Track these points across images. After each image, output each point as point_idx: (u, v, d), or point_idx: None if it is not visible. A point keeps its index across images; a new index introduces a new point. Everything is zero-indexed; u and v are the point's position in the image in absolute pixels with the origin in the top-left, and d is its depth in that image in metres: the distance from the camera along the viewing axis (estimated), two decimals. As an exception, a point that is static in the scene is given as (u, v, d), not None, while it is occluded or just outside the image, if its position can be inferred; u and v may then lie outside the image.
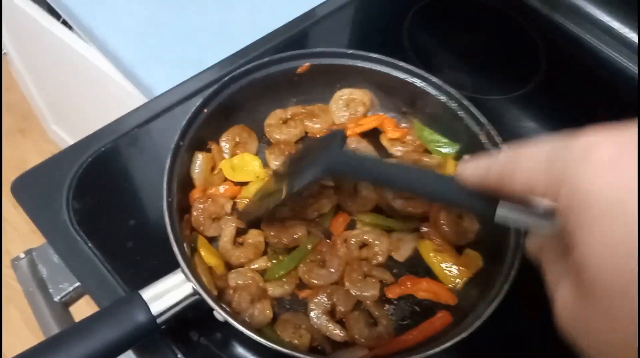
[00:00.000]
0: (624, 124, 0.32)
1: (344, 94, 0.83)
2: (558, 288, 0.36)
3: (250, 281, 0.67)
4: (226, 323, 0.58)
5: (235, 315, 0.63)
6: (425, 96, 0.79)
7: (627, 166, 0.29)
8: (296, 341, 0.64)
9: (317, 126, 0.81)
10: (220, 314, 0.58)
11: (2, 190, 2.11)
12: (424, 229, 0.74)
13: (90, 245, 0.70)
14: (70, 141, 1.85)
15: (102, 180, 0.76)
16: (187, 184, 0.72)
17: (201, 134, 0.74)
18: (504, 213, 0.44)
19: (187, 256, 0.62)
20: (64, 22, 1.17)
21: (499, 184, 0.39)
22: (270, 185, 0.72)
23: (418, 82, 0.79)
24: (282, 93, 0.82)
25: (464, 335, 0.58)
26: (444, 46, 1.05)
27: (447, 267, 0.71)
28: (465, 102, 0.76)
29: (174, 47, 1.01)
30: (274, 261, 0.70)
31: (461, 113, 0.77)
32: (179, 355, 0.64)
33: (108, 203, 0.75)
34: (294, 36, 0.97)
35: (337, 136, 0.65)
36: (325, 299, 0.67)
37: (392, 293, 0.70)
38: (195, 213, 0.70)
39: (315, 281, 0.69)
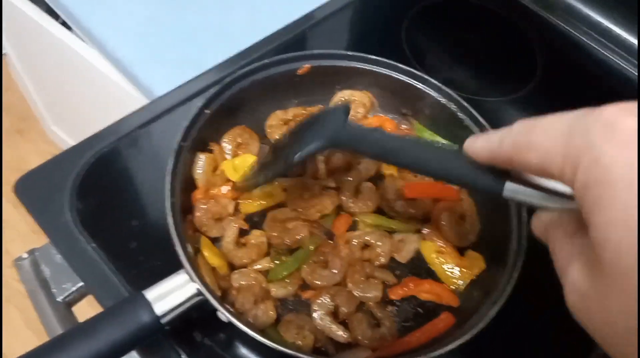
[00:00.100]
0: None
1: (344, 96, 0.83)
2: (569, 269, 0.34)
3: (253, 282, 0.68)
4: (230, 323, 0.58)
5: (238, 315, 0.63)
6: (425, 98, 0.80)
7: None
8: (299, 342, 0.64)
9: (318, 127, 0.81)
10: (224, 315, 0.58)
11: (3, 191, 2.11)
12: (426, 230, 0.74)
13: (93, 245, 0.70)
14: (70, 142, 1.85)
15: (104, 180, 0.76)
16: (189, 184, 0.72)
17: (203, 134, 0.74)
18: (513, 187, 0.43)
19: (191, 256, 0.62)
20: (63, 23, 1.17)
21: (513, 157, 0.38)
22: (269, 156, 0.72)
23: (418, 84, 0.80)
24: (283, 94, 0.82)
25: (467, 337, 0.59)
26: (443, 48, 1.06)
27: (449, 268, 0.71)
28: (465, 104, 0.76)
29: (173, 48, 1.01)
30: (277, 262, 0.70)
31: (461, 115, 0.77)
32: (182, 356, 0.64)
33: (111, 203, 0.75)
34: (294, 38, 0.97)
35: (341, 108, 0.63)
36: (328, 300, 0.67)
37: (395, 294, 0.70)
38: (198, 214, 0.71)
39: (318, 282, 0.69)
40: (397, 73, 0.80)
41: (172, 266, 0.61)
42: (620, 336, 0.30)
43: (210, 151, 0.76)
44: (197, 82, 0.87)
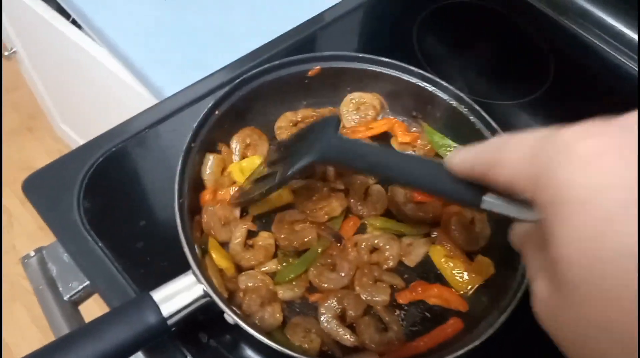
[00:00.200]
0: (609, 120, 0.32)
1: (354, 98, 0.83)
2: (536, 280, 0.36)
3: (260, 284, 0.67)
4: (236, 325, 0.58)
5: (245, 317, 0.62)
6: (436, 101, 0.79)
7: (606, 163, 0.30)
8: (306, 345, 0.64)
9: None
10: (230, 317, 0.58)
11: (10, 188, 2.12)
12: (435, 234, 0.74)
13: (100, 244, 0.70)
14: (78, 140, 1.86)
15: (113, 180, 0.76)
16: (197, 185, 0.72)
17: (212, 135, 0.74)
18: (490, 200, 0.45)
19: (198, 258, 0.62)
20: (74, 22, 1.17)
21: (484, 174, 0.40)
22: (264, 170, 0.72)
23: (429, 87, 0.79)
24: (293, 96, 0.82)
25: (476, 342, 0.58)
26: (455, 51, 1.05)
27: (458, 273, 0.70)
28: (476, 107, 0.76)
29: (183, 50, 1.02)
30: (284, 264, 0.70)
31: (472, 118, 0.76)
32: (188, 357, 0.64)
33: (119, 203, 0.75)
34: (303, 40, 0.97)
35: (332, 121, 0.64)
36: (336, 303, 0.67)
37: (403, 298, 0.69)
38: (206, 218, 0.70)
39: (325, 285, 0.68)
40: (407, 75, 0.80)
41: (179, 267, 0.61)
42: (576, 343, 0.32)
43: (219, 152, 0.75)
44: (207, 82, 0.87)
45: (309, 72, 0.80)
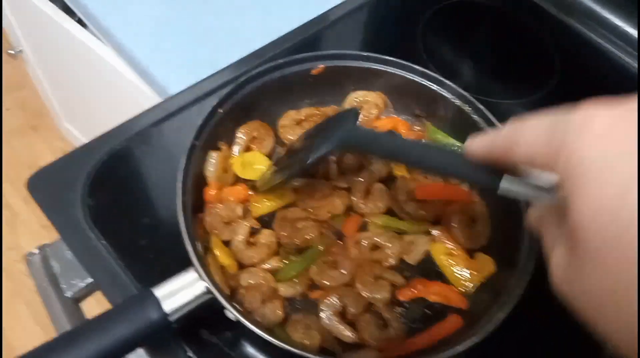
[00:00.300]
0: (619, 99, 0.34)
1: (357, 96, 0.83)
2: (553, 252, 0.38)
3: (261, 281, 0.67)
4: (237, 322, 0.58)
5: (246, 314, 0.63)
6: (439, 99, 0.79)
7: (618, 135, 0.32)
8: (307, 342, 0.64)
9: (331, 127, 0.81)
10: (232, 313, 0.58)
11: (14, 186, 2.13)
12: (436, 232, 0.74)
13: (103, 242, 0.70)
14: (83, 139, 1.87)
15: (116, 178, 0.77)
16: (200, 183, 0.72)
17: (216, 133, 0.74)
18: (507, 184, 0.47)
19: (200, 255, 0.62)
20: (79, 20, 1.17)
21: (503, 155, 0.42)
22: (285, 159, 0.74)
23: (432, 86, 0.79)
24: (296, 94, 0.82)
25: (475, 339, 0.58)
26: (459, 50, 1.05)
27: (458, 271, 0.71)
28: (480, 106, 0.76)
29: (188, 48, 1.02)
30: (286, 261, 0.70)
31: (476, 117, 0.76)
32: (189, 353, 0.64)
33: (122, 200, 0.76)
34: (308, 39, 0.97)
35: (351, 113, 0.67)
36: (337, 300, 0.67)
37: (404, 295, 0.69)
38: (208, 218, 0.71)
39: (326, 282, 0.69)
40: (411, 74, 0.80)
41: (181, 264, 0.61)
42: (594, 309, 0.33)
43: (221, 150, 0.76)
44: (211, 81, 0.87)
45: (313, 71, 0.80)
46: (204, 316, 0.64)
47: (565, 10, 1.09)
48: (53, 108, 1.92)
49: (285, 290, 0.68)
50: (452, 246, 0.73)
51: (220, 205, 0.72)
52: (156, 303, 0.58)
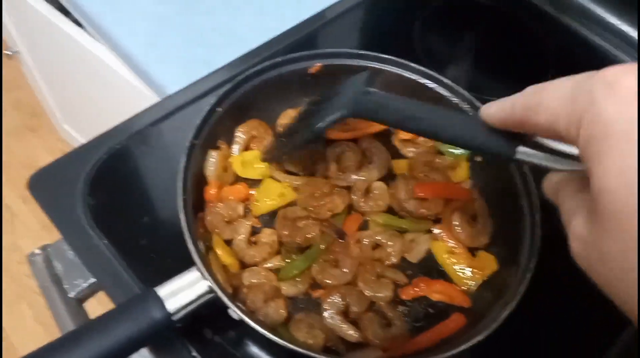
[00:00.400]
0: None
1: (356, 95, 0.83)
2: (572, 221, 0.37)
3: (264, 280, 0.68)
4: (240, 321, 0.58)
5: (249, 313, 0.63)
6: (437, 97, 0.79)
7: None
8: (310, 341, 0.64)
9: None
10: (235, 312, 0.58)
11: (12, 187, 2.12)
12: (437, 230, 0.74)
13: (105, 241, 0.70)
14: (81, 139, 1.86)
15: (116, 177, 0.77)
16: (200, 182, 0.72)
17: (214, 132, 0.74)
18: (524, 150, 0.45)
19: (202, 254, 0.62)
20: (75, 20, 1.17)
21: (524, 119, 0.40)
22: (295, 126, 0.73)
23: (430, 84, 0.79)
24: (294, 93, 0.82)
25: (479, 338, 0.58)
26: (455, 48, 1.05)
27: (460, 269, 0.71)
28: (478, 104, 0.76)
29: (185, 47, 1.02)
30: (288, 260, 0.70)
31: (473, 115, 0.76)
32: (193, 353, 0.64)
33: (123, 200, 0.76)
34: (305, 37, 0.97)
35: (362, 77, 0.64)
36: (339, 299, 0.67)
37: (406, 294, 0.70)
38: (209, 218, 0.71)
39: (328, 281, 0.69)
40: (408, 72, 0.80)
41: (183, 263, 0.61)
42: (618, 276, 0.32)
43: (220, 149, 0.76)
44: (209, 80, 0.87)
45: (311, 70, 0.80)
46: (207, 315, 0.64)
47: (561, 8, 1.10)
48: (50, 109, 1.92)
49: (287, 289, 0.68)
50: (453, 245, 0.73)
51: (221, 204, 0.72)
52: (159, 302, 0.58)
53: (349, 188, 0.76)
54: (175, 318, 0.58)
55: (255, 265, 0.70)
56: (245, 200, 0.75)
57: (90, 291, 0.73)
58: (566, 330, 0.70)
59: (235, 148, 0.78)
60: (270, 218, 0.74)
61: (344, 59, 0.81)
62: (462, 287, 0.70)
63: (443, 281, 0.71)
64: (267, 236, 0.71)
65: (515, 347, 0.68)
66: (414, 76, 0.80)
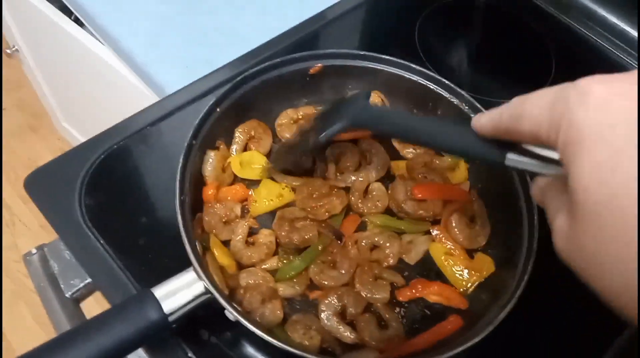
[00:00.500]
0: (616, 74, 0.37)
1: (355, 95, 0.83)
2: (556, 218, 0.40)
3: (261, 281, 0.67)
4: (236, 322, 0.58)
5: (246, 314, 0.63)
6: (437, 98, 0.79)
7: (617, 103, 0.34)
8: (306, 342, 0.64)
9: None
10: (232, 313, 0.58)
11: (12, 187, 2.13)
12: (435, 232, 0.74)
13: (102, 241, 0.70)
14: (81, 139, 1.86)
15: (114, 177, 0.77)
16: (198, 182, 0.72)
17: (213, 133, 0.74)
18: (513, 157, 0.48)
19: (199, 254, 0.62)
20: (76, 20, 1.17)
21: (510, 128, 0.44)
22: (297, 139, 0.74)
23: (430, 85, 0.79)
24: (294, 93, 0.83)
25: (476, 339, 0.58)
26: (456, 49, 1.05)
27: (458, 271, 0.71)
28: (478, 105, 0.76)
29: (185, 47, 1.02)
30: (285, 261, 0.70)
31: (472, 115, 0.76)
32: (189, 354, 0.64)
33: (120, 200, 0.75)
34: (305, 38, 0.97)
35: (363, 94, 0.67)
36: (336, 300, 0.67)
37: (403, 296, 0.69)
38: (207, 218, 0.71)
39: (325, 282, 0.69)
40: (409, 73, 0.80)
41: (180, 264, 0.61)
42: (596, 267, 0.35)
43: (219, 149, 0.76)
44: (208, 80, 0.87)
45: (311, 70, 0.80)
46: (203, 316, 0.64)
47: (563, 8, 1.09)
48: (51, 108, 1.92)
49: (284, 290, 0.68)
50: (451, 246, 0.73)
51: (219, 205, 0.72)
52: (156, 303, 0.58)
53: (347, 189, 0.76)
54: (171, 319, 0.58)
55: (253, 265, 0.70)
56: (243, 201, 0.75)
57: (87, 291, 0.73)
58: (563, 332, 0.69)
59: (234, 148, 0.78)
60: (268, 219, 0.74)
61: (345, 59, 0.81)
62: (460, 289, 0.70)
63: (440, 283, 0.70)
64: (265, 237, 0.71)
65: (512, 349, 0.68)
66: (414, 77, 0.80)
